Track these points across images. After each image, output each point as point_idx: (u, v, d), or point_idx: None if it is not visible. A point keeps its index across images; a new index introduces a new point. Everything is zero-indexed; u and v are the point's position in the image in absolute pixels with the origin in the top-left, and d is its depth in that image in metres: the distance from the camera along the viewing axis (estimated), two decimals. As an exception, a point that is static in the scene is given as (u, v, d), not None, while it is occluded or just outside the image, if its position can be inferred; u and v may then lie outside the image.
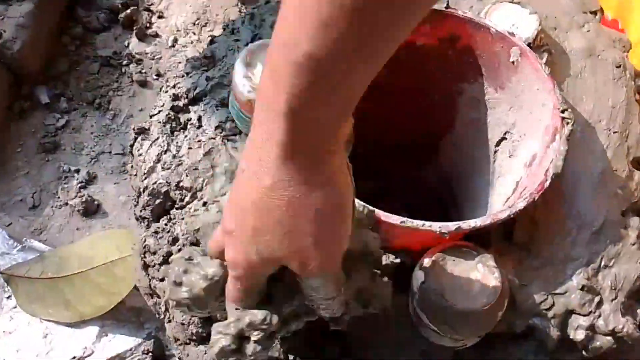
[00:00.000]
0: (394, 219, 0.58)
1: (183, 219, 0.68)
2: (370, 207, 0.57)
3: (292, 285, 0.52)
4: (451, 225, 0.58)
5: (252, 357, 0.53)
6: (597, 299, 0.66)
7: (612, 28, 0.84)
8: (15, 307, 0.77)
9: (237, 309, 0.53)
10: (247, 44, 0.75)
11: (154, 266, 0.68)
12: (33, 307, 0.77)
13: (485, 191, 0.75)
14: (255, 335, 0.52)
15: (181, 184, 0.69)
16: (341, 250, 0.48)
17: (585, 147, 0.72)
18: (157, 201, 0.70)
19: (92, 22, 1.03)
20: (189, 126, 0.73)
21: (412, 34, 0.71)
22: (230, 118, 0.72)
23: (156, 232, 0.68)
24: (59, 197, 0.89)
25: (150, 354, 0.75)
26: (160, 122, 0.73)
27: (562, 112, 0.65)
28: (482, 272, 0.60)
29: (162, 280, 0.68)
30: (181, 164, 0.70)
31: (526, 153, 0.70)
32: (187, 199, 0.69)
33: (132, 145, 0.75)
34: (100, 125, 0.95)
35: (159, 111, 0.74)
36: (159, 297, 0.70)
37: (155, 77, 0.99)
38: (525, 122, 0.71)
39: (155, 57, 1.00)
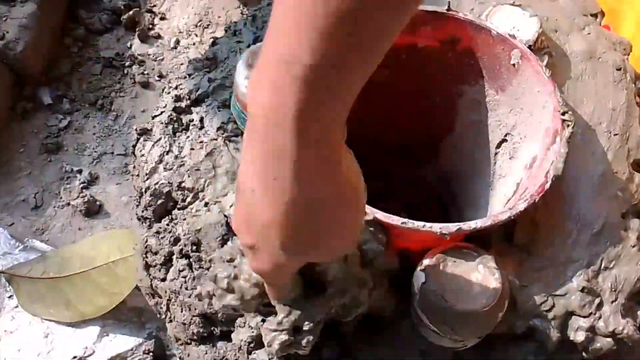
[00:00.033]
0: (395, 219, 0.58)
1: (185, 219, 0.68)
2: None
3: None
4: (452, 227, 0.58)
5: (306, 347, 0.56)
6: (597, 300, 0.66)
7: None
8: (16, 307, 0.77)
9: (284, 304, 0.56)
10: (249, 46, 0.76)
11: (155, 266, 0.68)
12: (34, 306, 0.77)
13: (485, 192, 0.75)
14: (306, 325, 0.56)
15: (183, 184, 0.69)
16: (359, 231, 0.51)
17: (585, 149, 0.72)
18: (159, 201, 0.70)
19: (95, 23, 1.03)
20: (191, 127, 0.73)
21: (413, 36, 0.72)
22: (232, 119, 0.72)
23: (158, 233, 0.68)
24: (61, 198, 0.89)
25: (151, 353, 0.75)
26: (162, 123, 0.73)
27: (563, 114, 0.65)
28: (482, 273, 0.60)
29: (163, 280, 0.68)
30: (183, 164, 0.70)
31: (527, 155, 0.70)
32: (188, 199, 0.69)
33: (134, 146, 0.75)
34: (102, 126, 0.95)
35: (161, 112, 0.75)
36: (160, 297, 0.71)
37: (157, 78, 0.99)
38: (526, 124, 0.71)
39: (158, 59, 1.00)
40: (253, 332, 0.61)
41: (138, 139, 0.75)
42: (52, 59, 0.99)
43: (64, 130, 0.95)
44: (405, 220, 0.59)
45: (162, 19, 1.04)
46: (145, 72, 0.99)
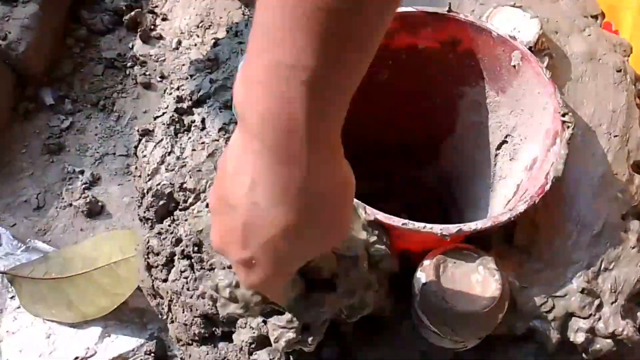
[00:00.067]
0: (395, 220, 0.59)
1: (186, 220, 0.68)
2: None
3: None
4: (452, 228, 0.59)
5: (311, 344, 0.57)
6: (597, 301, 0.66)
7: (606, 30, 0.85)
8: (18, 308, 0.78)
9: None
10: (250, 47, 0.76)
11: (157, 267, 0.69)
12: (36, 307, 0.77)
13: (485, 194, 0.75)
14: (315, 324, 0.56)
15: (185, 185, 0.69)
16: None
17: (585, 150, 0.72)
18: (161, 202, 0.70)
19: (97, 24, 1.03)
20: (192, 128, 0.73)
21: (413, 37, 0.72)
22: (234, 120, 0.72)
23: (160, 233, 0.69)
24: (63, 198, 0.89)
25: (152, 354, 0.75)
26: (164, 123, 0.74)
27: (563, 115, 0.65)
28: (482, 275, 0.60)
29: (165, 280, 0.68)
30: (185, 165, 0.70)
31: (527, 156, 0.70)
32: (190, 200, 0.69)
33: (136, 147, 0.75)
34: (104, 126, 0.96)
35: (163, 113, 0.75)
36: (162, 297, 0.71)
37: (159, 79, 0.99)
38: (526, 125, 0.71)
39: (159, 59, 1.00)
40: (254, 332, 0.61)
41: (140, 140, 0.75)
42: (54, 60, 0.99)
43: (66, 130, 0.95)
44: (406, 221, 0.59)
45: (163, 19, 1.04)
46: (147, 73, 0.99)
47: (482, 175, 0.76)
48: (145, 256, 0.70)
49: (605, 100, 0.75)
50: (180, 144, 0.72)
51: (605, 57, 0.78)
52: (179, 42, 1.01)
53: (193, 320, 0.67)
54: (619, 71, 0.77)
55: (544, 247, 0.68)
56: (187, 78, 0.78)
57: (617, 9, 0.85)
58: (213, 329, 0.67)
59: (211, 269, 0.64)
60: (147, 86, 0.99)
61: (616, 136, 0.73)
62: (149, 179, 0.71)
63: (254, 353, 0.64)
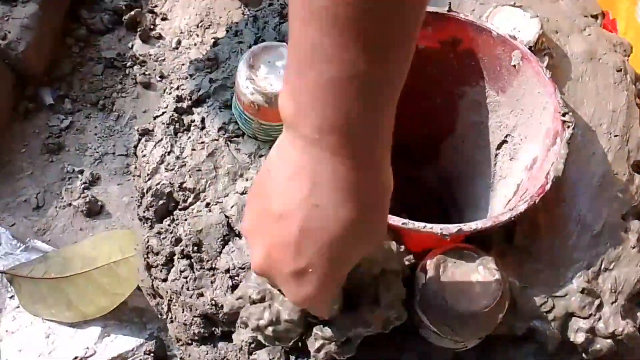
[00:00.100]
0: (395, 220, 0.59)
1: (186, 219, 0.68)
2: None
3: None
4: (452, 228, 0.58)
5: (347, 355, 0.57)
6: (597, 301, 0.66)
7: (606, 22, 0.85)
8: (18, 307, 0.78)
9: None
10: (250, 46, 0.76)
11: (156, 267, 0.69)
12: (36, 307, 0.77)
13: (486, 193, 0.75)
14: (357, 338, 0.57)
15: (184, 185, 0.69)
16: None
17: (585, 150, 0.72)
18: (161, 202, 0.70)
19: (96, 23, 1.03)
20: (192, 128, 0.73)
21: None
22: (234, 120, 0.73)
23: (159, 233, 0.69)
24: (62, 198, 0.89)
25: (152, 354, 0.75)
26: (163, 123, 0.74)
27: (563, 115, 0.65)
28: (482, 274, 0.60)
29: (164, 280, 0.68)
30: (184, 165, 0.70)
31: (527, 156, 0.70)
32: (190, 200, 0.69)
33: (135, 147, 0.75)
34: (104, 126, 0.95)
35: (163, 113, 0.75)
36: (161, 297, 0.71)
37: (158, 78, 0.99)
38: (526, 125, 0.71)
39: (159, 59, 1.00)
40: (254, 332, 0.61)
41: (139, 140, 0.75)
42: (54, 59, 0.99)
43: (66, 130, 0.95)
44: (406, 221, 0.59)
45: (163, 19, 1.04)
46: (147, 73, 0.99)
47: (482, 175, 0.76)
48: (145, 256, 0.70)
49: (605, 100, 0.75)
50: (180, 144, 0.72)
51: (605, 56, 0.79)
52: (179, 42, 1.01)
53: (193, 320, 0.67)
54: (619, 71, 0.77)
55: (544, 247, 0.68)
56: (186, 78, 0.78)
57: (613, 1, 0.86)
58: (212, 329, 0.67)
59: (211, 268, 0.64)
60: (147, 86, 0.98)
61: (616, 136, 0.73)
62: (149, 179, 0.71)
63: (253, 353, 0.64)
